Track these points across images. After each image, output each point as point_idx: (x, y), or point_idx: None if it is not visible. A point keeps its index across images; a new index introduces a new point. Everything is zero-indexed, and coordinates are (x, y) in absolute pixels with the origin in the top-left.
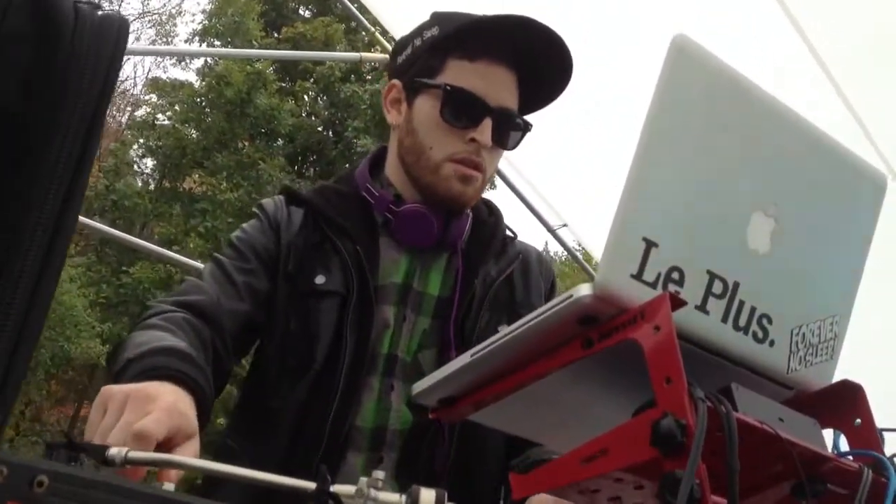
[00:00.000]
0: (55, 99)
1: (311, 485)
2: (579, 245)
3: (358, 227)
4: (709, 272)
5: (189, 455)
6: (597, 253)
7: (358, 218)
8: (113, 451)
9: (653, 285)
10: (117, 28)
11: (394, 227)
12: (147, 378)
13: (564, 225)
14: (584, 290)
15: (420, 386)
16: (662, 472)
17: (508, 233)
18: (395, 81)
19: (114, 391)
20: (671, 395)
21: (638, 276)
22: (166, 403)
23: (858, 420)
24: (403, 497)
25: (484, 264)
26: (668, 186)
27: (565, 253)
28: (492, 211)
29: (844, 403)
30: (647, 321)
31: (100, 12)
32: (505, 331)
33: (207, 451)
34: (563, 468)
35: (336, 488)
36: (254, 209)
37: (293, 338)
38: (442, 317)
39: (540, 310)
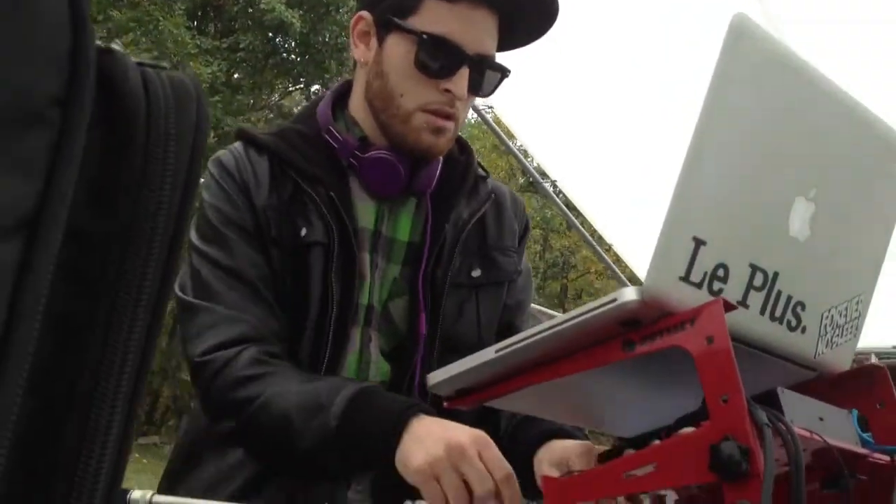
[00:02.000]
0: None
1: None
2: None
3: (328, 173)
4: (751, 265)
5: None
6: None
7: (325, 163)
8: (136, 494)
9: (699, 286)
10: (194, 90)
11: (359, 174)
12: (405, 424)
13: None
14: (630, 294)
15: (436, 378)
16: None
17: (480, 171)
18: (365, 13)
19: (434, 461)
20: (730, 417)
21: (685, 278)
22: (477, 438)
23: (882, 402)
24: None
25: (455, 206)
26: (718, 180)
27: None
28: (463, 149)
29: (867, 386)
30: (698, 328)
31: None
32: (536, 329)
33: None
34: (604, 480)
35: None
36: (210, 168)
37: (289, 297)
38: (412, 264)
39: (578, 311)
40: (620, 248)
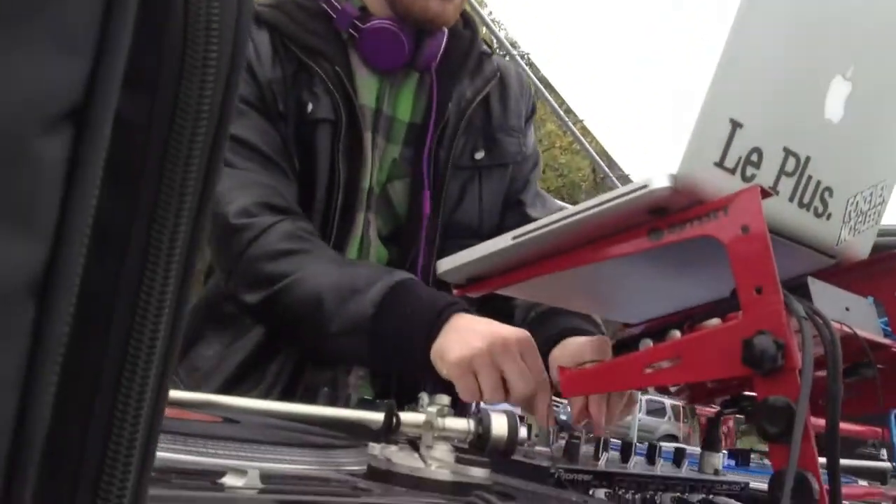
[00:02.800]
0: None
1: (378, 417)
2: None
3: (330, 46)
4: (785, 149)
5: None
6: None
7: (327, 35)
8: None
9: (732, 171)
10: None
11: (359, 46)
12: (444, 320)
13: None
14: (662, 180)
15: (446, 265)
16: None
17: (484, 47)
18: None
19: (473, 355)
20: (765, 309)
21: (720, 163)
22: (518, 339)
23: None
24: (472, 423)
25: (458, 84)
26: (757, 60)
27: None
28: (467, 23)
29: (886, 274)
30: (732, 217)
31: None
32: (556, 216)
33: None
34: (623, 372)
35: (403, 417)
36: None
37: (298, 178)
38: (413, 145)
39: (603, 197)
40: (591, 123)
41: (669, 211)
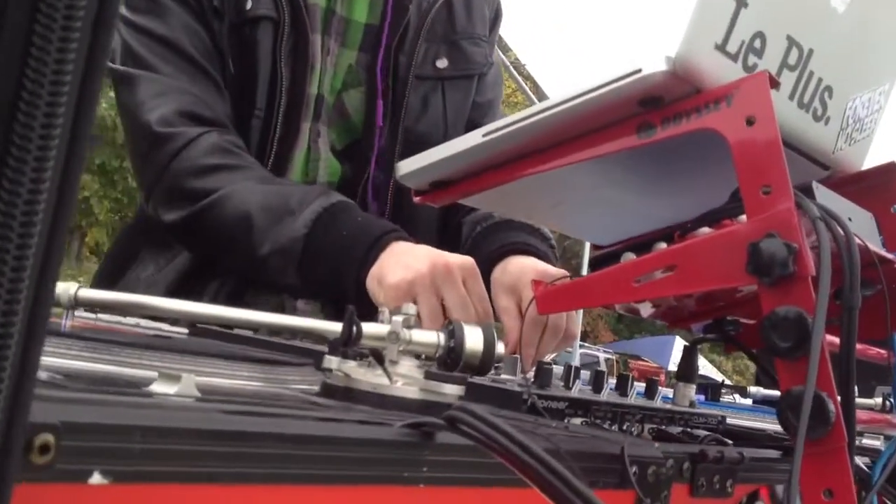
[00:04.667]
0: None
1: (336, 326)
2: None
3: None
4: (788, 38)
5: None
6: None
7: None
8: (59, 287)
9: (734, 58)
10: None
11: None
12: (379, 249)
13: None
14: (658, 63)
15: (408, 166)
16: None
17: None
18: None
19: (414, 279)
20: (774, 210)
21: (722, 47)
22: (462, 265)
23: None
24: (443, 336)
25: None
26: None
27: None
28: None
29: (882, 187)
30: (737, 107)
31: None
32: (533, 109)
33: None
34: (609, 286)
35: (365, 328)
36: None
37: (234, 82)
38: (371, 50)
39: (586, 86)
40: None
41: (664, 102)
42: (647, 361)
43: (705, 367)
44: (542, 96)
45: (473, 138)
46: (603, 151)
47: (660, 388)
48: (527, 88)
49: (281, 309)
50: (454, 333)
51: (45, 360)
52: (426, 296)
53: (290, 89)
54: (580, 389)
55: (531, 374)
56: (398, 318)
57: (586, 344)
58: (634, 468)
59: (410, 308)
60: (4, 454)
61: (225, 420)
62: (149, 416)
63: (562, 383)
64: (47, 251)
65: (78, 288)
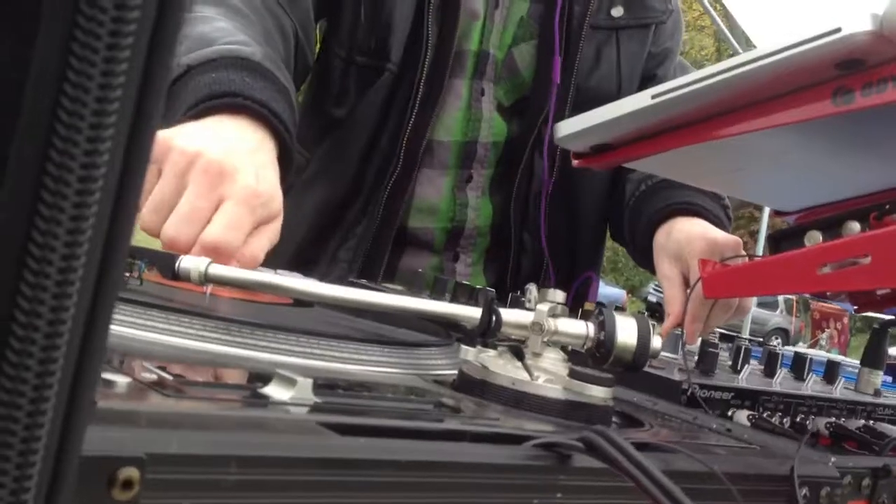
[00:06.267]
0: None
1: (474, 313)
2: None
3: None
4: None
5: (266, 241)
6: None
7: None
8: (188, 262)
9: None
10: None
11: None
12: (213, 110)
13: None
14: (860, 22)
15: (568, 128)
16: None
17: None
18: None
19: (172, 147)
20: None
21: None
22: (245, 188)
23: None
24: (592, 327)
25: None
26: None
27: None
28: None
29: None
30: None
31: None
32: (709, 70)
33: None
34: (787, 273)
35: (506, 315)
36: None
37: (363, 30)
38: (544, 1)
39: (775, 46)
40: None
41: (866, 65)
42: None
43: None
44: (732, 25)
45: (641, 100)
46: (792, 118)
47: (840, 373)
48: (714, 13)
49: (440, 269)
50: (605, 325)
51: (158, 338)
52: (166, 178)
53: (438, 46)
54: (749, 373)
55: (696, 346)
56: (543, 308)
57: None
58: (805, 490)
59: (558, 296)
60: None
61: (334, 446)
62: (247, 442)
63: (729, 363)
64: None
65: (209, 264)
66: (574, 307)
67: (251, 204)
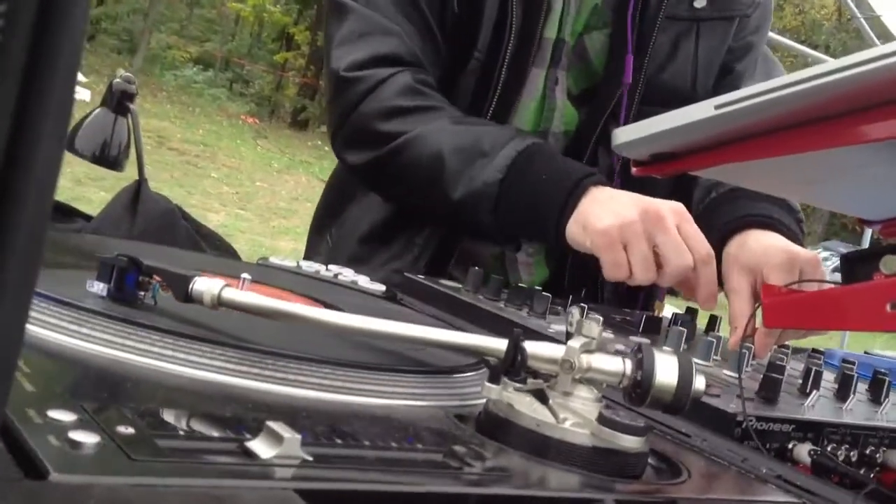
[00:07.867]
0: None
1: (499, 346)
2: None
3: None
4: None
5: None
6: None
7: None
8: (201, 284)
9: None
10: None
11: None
12: (598, 184)
13: None
14: None
15: (628, 135)
16: None
17: None
18: None
19: (632, 218)
20: None
21: None
22: None
23: None
24: (629, 364)
25: None
26: None
27: None
28: None
29: None
30: None
31: None
32: (776, 82)
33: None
34: (851, 308)
35: (533, 349)
36: None
37: (456, 24)
38: None
39: (844, 61)
40: None
41: None
42: None
43: None
44: None
45: (704, 109)
46: (870, 136)
47: None
48: None
49: (500, 260)
50: (643, 363)
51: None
52: (636, 242)
53: (521, 32)
54: (818, 398)
55: (765, 362)
56: (575, 344)
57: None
58: None
59: (593, 329)
60: None
61: None
62: None
63: (799, 383)
64: None
65: (223, 287)
66: (645, 305)
67: (688, 218)
